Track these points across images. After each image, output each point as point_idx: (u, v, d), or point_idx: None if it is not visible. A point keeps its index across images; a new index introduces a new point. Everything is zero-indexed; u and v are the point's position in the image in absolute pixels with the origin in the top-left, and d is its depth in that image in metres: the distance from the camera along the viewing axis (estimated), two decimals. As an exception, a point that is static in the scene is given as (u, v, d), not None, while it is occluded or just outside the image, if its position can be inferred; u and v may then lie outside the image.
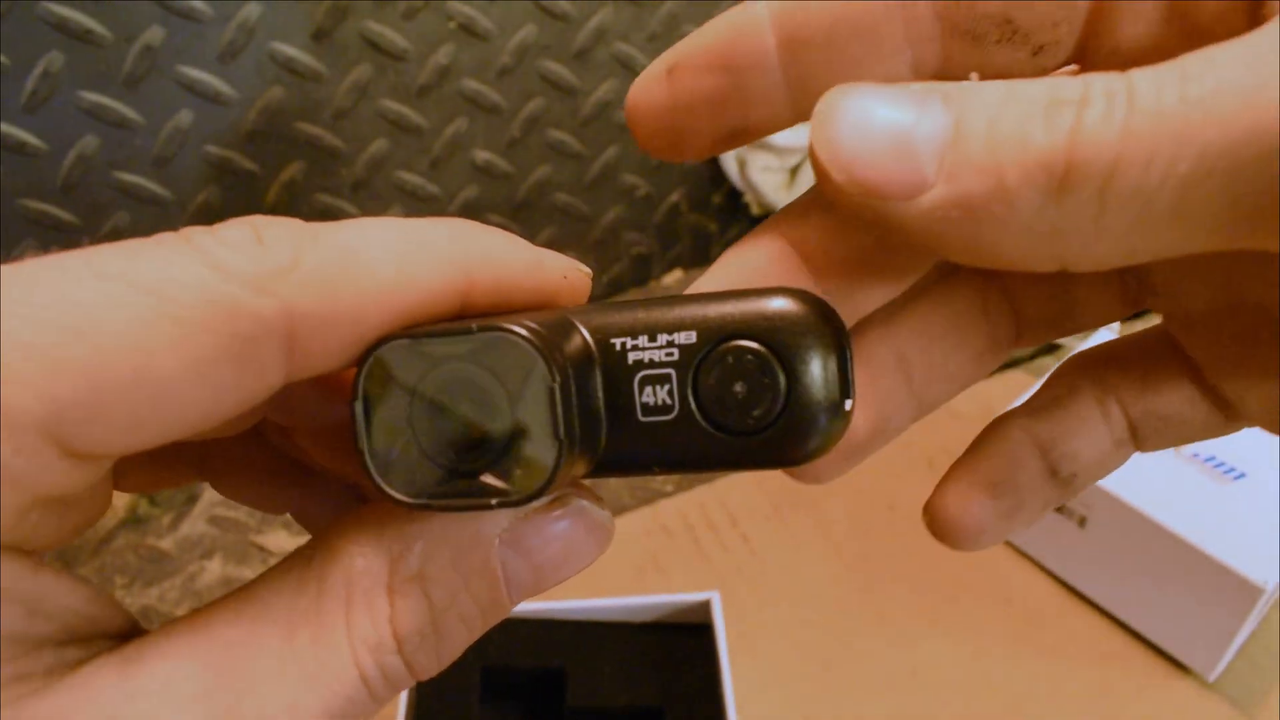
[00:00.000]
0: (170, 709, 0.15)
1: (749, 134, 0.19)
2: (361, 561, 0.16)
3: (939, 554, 0.53)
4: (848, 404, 0.16)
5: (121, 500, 0.56)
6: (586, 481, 0.19)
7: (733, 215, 0.72)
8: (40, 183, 0.51)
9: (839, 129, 0.16)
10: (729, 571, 0.52)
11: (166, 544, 0.54)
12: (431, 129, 0.59)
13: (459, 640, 0.17)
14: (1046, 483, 0.22)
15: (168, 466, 0.21)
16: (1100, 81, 0.14)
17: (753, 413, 0.16)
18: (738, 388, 0.16)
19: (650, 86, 0.19)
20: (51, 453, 0.14)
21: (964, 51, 0.19)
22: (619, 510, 0.55)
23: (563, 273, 0.19)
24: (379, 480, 0.16)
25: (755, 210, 0.70)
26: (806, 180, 0.66)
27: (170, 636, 0.15)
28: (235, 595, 0.16)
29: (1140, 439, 0.22)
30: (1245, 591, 0.44)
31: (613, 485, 0.57)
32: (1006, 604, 0.51)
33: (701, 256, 0.73)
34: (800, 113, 0.18)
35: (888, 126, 0.15)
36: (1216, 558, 0.44)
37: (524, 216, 0.65)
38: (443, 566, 0.17)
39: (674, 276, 0.72)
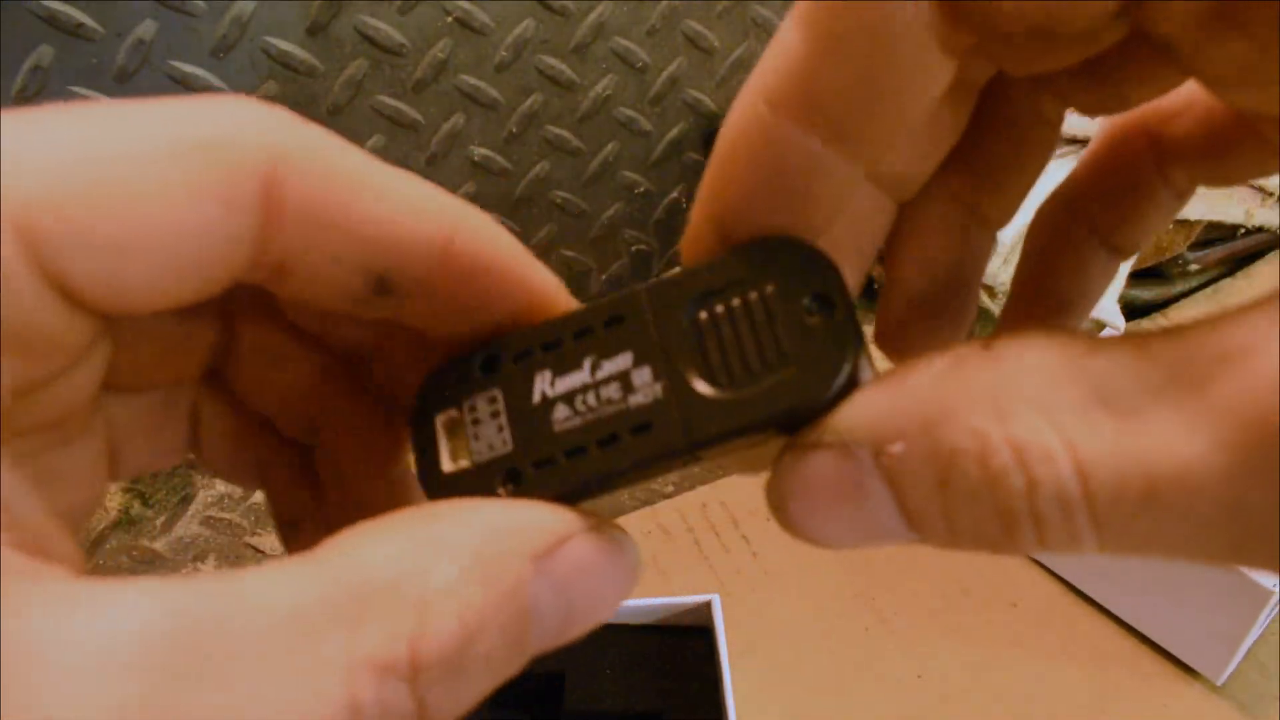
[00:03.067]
0: (97, 667, 0.12)
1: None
2: (385, 571, 0.14)
3: (943, 556, 0.52)
4: None
5: (114, 501, 0.55)
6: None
7: (734, 212, 0.71)
8: (31, 179, 0.51)
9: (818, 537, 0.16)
10: (730, 573, 0.52)
11: (160, 545, 0.53)
12: (428, 125, 0.58)
13: (477, 687, 0.15)
14: (1109, 264, 0.21)
15: (160, 439, 0.20)
16: (1047, 482, 0.13)
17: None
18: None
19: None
20: (19, 258, 0.13)
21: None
22: (618, 511, 0.55)
23: (552, 289, 0.19)
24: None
25: (756, 207, 0.70)
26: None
27: (125, 588, 0.13)
28: (216, 575, 0.13)
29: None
30: (1253, 595, 0.43)
31: (612, 485, 0.57)
32: (1012, 607, 0.50)
33: (702, 254, 0.73)
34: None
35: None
36: (1225, 560, 0.44)
37: (522, 213, 0.64)
38: (479, 586, 0.14)
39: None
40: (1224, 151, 0.20)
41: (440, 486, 0.18)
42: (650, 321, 0.17)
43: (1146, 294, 0.63)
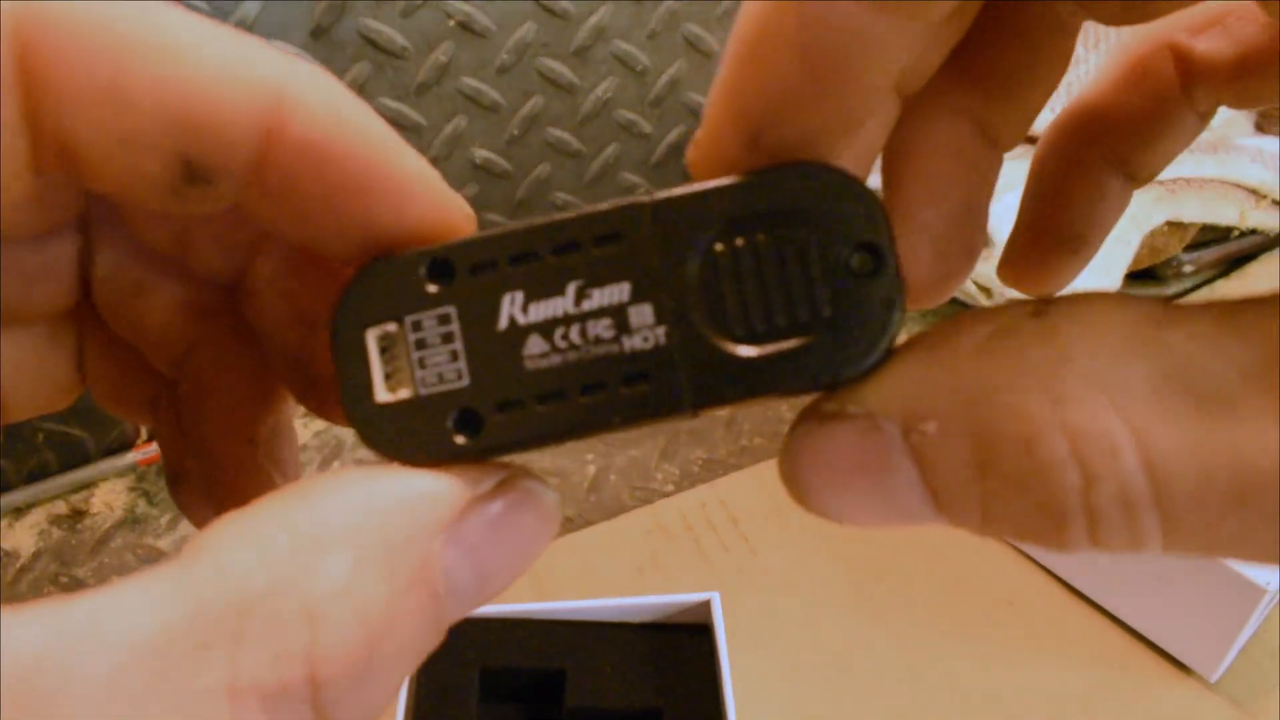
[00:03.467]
0: None
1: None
2: (263, 577, 0.12)
3: (940, 554, 0.52)
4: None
5: (119, 500, 0.56)
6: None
7: (733, 214, 0.72)
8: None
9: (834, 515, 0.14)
10: (729, 572, 0.52)
11: (164, 544, 0.54)
12: (430, 127, 0.58)
13: (390, 685, 0.13)
14: (1123, 192, 0.20)
15: (47, 376, 0.19)
16: (1109, 477, 0.12)
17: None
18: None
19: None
20: None
21: None
22: (618, 510, 0.55)
23: (441, 196, 0.15)
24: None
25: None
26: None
27: None
28: (66, 599, 0.11)
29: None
30: (1248, 592, 0.44)
31: (612, 485, 0.57)
32: (1008, 605, 0.50)
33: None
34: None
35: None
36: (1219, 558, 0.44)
37: (523, 215, 0.65)
38: (379, 577, 0.12)
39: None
40: (1254, 71, 0.18)
41: (371, 419, 0.15)
42: (655, 246, 0.14)
43: (1141, 295, 0.64)
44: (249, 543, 0.12)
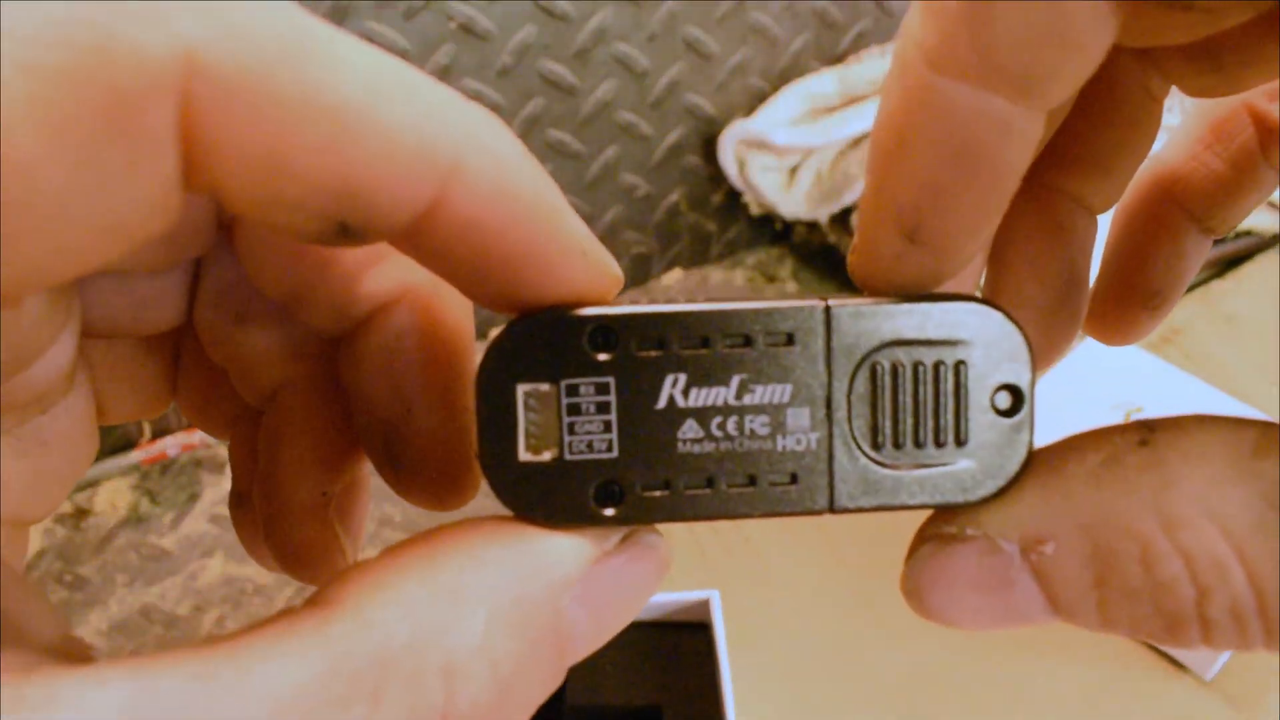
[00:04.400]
0: None
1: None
2: (406, 632, 0.12)
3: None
4: None
5: (122, 499, 0.56)
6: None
7: (732, 215, 0.72)
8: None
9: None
10: (729, 570, 0.52)
11: (168, 542, 0.54)
12: (432, 129, 0.59)
13: None
14: (1202, 246, 0.21)
15: (143, 384, 0.19)
16: (1219, 591, 0.13)
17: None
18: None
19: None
20: None
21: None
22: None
23: (595, 266, 0.15)
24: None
25: (755, 210, 0.70)
26: (806, 180, 0.67)
27: (85, 682, 0.10)
28: (209, 648, 0.11)
29: None
30: (1242, 591, 0.44)
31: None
32: (1004, 603, 0.51)
33: (701, 256, 0.73)
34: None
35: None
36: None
37: (524, 216, 0.65)
38: (512, 633, 0.13)
39: (673, 276, 0.72)
40: None
41: (510, 477, 0.15)
42: (822, 352, 0.15)
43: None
44: (391, 598, 0.12)
